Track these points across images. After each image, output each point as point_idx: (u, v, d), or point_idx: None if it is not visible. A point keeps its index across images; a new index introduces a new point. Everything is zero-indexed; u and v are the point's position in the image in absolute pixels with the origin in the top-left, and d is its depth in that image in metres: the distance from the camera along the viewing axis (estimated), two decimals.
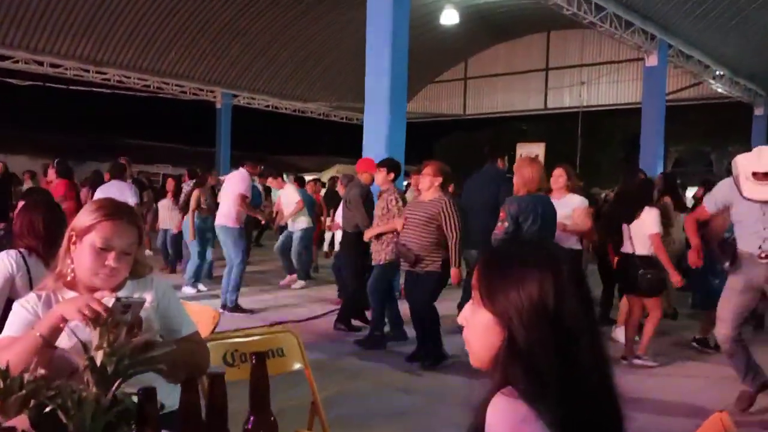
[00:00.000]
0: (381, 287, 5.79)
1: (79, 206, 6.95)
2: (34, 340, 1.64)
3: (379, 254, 5.75)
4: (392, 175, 5.95)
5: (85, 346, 1.33)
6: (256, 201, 9.46)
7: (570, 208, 5.55)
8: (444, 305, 5.47)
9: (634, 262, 5.28)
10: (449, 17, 14.89)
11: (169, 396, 1.70)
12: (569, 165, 6.03)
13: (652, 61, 13.71)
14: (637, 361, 5.32)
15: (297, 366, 2.46)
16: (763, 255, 4.08)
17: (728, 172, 4.34)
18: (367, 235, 5.87)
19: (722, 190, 4.31)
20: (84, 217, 1.86)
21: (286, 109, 21.43)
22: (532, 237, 4.35)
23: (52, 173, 8.15)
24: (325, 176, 23.33)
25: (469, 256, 5.74)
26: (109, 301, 1.61)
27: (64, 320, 1.64)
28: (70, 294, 1.85)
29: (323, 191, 12.23)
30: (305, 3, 15.72)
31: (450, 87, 22.27)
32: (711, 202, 4.42)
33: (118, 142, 27.64)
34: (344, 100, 21.09)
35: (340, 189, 8.67)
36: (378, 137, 8.17)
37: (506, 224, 4.69)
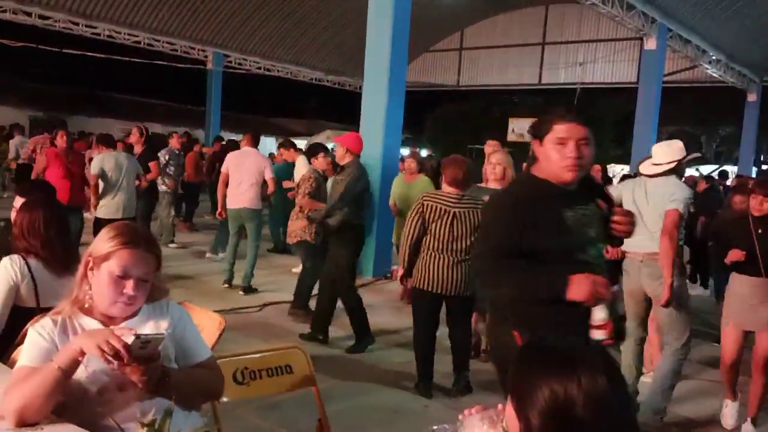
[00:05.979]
0: None
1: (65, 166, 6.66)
2: (53, 373, 1.63)
3: None
4: None
5: None
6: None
7: None
8: None
9: None
10: None
11: (186, 422, 1.80)
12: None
13: (651, 44, 13.65)
14: None
15: (306, 384, 2.46)
16: None
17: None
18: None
19: None
20: (102, 244, 1.83)
21: (278, 71, 21.15)
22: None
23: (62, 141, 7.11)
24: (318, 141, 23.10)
25: None
26: (129, 337, 1.61)
27: (83, 353, 1.64)
28: (87, 320, 1.83)
29: None
30: None
31: (445, 57, 22.03)
32: None
33: (105, 96, 27.17)
34: (336, 64, 20.82)
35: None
36: (377, 109, 8.13)
37: None
